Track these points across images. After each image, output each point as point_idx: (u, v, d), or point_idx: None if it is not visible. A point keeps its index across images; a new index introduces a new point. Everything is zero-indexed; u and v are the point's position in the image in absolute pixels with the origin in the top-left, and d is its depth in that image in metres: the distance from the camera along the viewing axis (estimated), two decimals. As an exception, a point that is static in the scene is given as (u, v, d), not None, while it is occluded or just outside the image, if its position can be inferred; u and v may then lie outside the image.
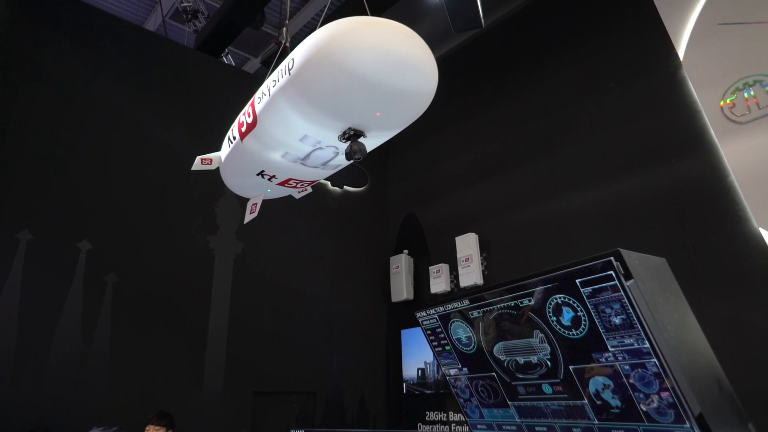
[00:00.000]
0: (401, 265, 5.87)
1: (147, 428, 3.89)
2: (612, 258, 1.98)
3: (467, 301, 2.61)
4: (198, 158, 3.25)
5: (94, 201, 4.48)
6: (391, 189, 6.66)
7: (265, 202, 3.34)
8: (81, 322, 4.17)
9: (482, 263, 5.13)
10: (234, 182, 3.33)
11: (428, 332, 2.89)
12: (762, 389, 2.77)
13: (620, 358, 2.07)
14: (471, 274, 5.08)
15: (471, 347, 2.68)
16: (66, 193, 4.36)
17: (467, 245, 5.22)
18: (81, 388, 3.98)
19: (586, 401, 2.27)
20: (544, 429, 2.52)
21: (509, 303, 2.41)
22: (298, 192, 3.40)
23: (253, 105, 2.73)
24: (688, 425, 1.96)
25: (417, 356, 5.37)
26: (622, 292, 1.97)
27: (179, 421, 4.09)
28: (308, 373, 5.25)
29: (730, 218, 3.43)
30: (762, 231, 3.23)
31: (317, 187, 5.26)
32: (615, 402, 2.16)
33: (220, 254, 5.04)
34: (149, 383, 4.30)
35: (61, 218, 4.27)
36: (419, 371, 5.34)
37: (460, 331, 2.70)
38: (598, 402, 2.22)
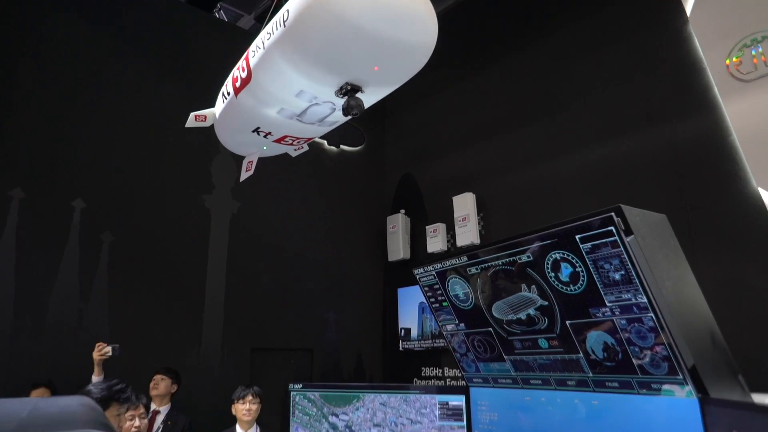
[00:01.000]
0: (398, 225, 5.86)
1: (154, 378, 3.94)
2: (613, 213, 1.97)
3: (465, 258, 2.61)
4: (192, 115, 3.18)
5: (87, 159, 4.41)
6: (387, 149, 6.60)
7: (260, 161, 3.29)
8: (78, 280, 4.17)
9: (479, 223, 5.13)
10: (229, 139, 3.27)
11: (426, 289, 2.91)
12: (753, 345, 2.81)
13: (617, 313, 2.09)
14: (468, 234, 5.09)
15: (468, 303, 2.70)
16: (58, 152, 4.29)
17: (464, 205, 5.21)
18: (80, 344, 4.01)
19: (581, 355, 2.31)
20: (539, 382, 2.57)
21: (507, 259, 2.42)
22: (294, 150, 3.35)
23: (247, 59, 2.66)
24: (680, 377, 1.99)
25: (413, 315, 5.44)
26: (622, 248, 1.97)
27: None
28: (305, 331, 5.32)
29: (729, 178, 3.41)
30: (761, 191, 3.23)
31: (313, 146, 5.20)
32: (608, 355, 2.19)
33: (216, 213, 5.01)
34: (148, 341, 4.34)
35: (53, 176, 4.22)
36: (402, 331, 5.43)
37: (458, 287, 2.71)
38: (593, 356, 2.26)
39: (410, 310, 5.48)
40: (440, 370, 5.14)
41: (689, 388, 1.98)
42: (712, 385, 2.00)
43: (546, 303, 2.33)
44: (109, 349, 3.38)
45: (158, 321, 4.47)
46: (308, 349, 5.38)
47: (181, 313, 4.65)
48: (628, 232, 1.98)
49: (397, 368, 5.52)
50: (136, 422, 2.80)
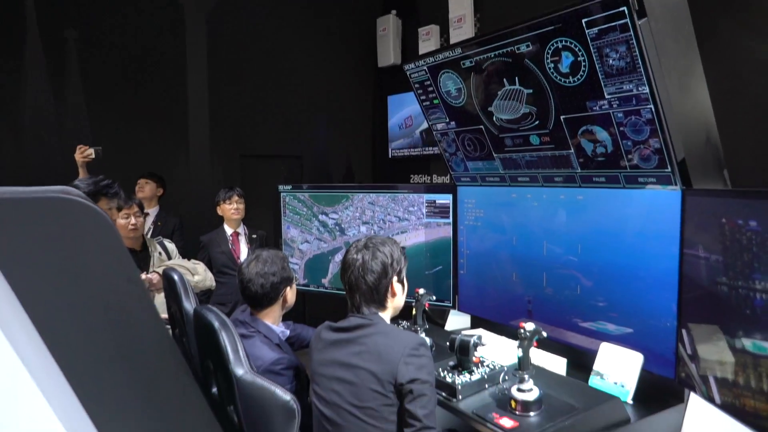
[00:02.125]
0: (388, 27, 5.45)
1: (138, 182, 4.00)
2: (628, -11, 1.75)
3: (459, 50, 2.43)
4: None
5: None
6: (377, -62, 5.83)
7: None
8: (48, 81, 3.95)
9: (475, 24, 4.76)
10: None
11: (416, 85, 2.77)
12: (747, 142, 2.78)
13: (615, 106, 2.00)
14: (463, 37, 4.76)
15: (460, 100, 2.59)
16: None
17: (460, 4, 4.78)
18: (63, 148, 3.96)
19: (572, 151, 2.28)
20: (527, 179, 2.60)
21: (505, 50, 2.25)
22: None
23: None
24: (668, 170, 1.99)
25: (402, 122, 5.36)
26: (632, 32, 1.80)
27: (168, 184, 4.20)
28: (294, 137, 5.26)
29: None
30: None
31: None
32: (601, 150, 2.16)
33: (190, 8, 4.58)
34: (133, 148, 4.28)
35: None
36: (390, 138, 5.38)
37: (450, 83, 2.57)
38: (584, 151, 2.23)
39: (400, 117, 5.38)
40: (429, 177, 5.24)
41: (675, 180, 1.99)
42: (697, 179, 2.01)
43: (542, 97, 2.22)
44: (91, 151, 3.30)
45: (141, 128, 4.36)
46: (297, 156, 5.39)
47: (164, 120, 4.52)
48: (641, 14, 1.79)
49: (386, 175, 5.62)
50: (132, 220, 2.86)
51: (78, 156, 3.27)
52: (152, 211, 4.02)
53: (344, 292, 1.84)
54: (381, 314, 1.77)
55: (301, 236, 3.65)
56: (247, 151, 5.00)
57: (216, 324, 1.38)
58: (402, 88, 5.15)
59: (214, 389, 1.58)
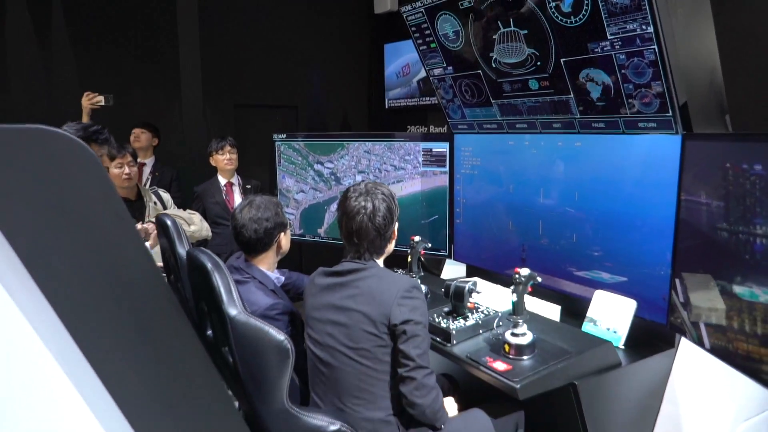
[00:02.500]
0: (385, -28, 5.25)
1: (133, 131, 3.92)
2: None
3: (458, -10, 2.33)
4: None
5: None
6: None
7: None
8: (33, 30, 3.81)
9: (476, -33, 4.59)
10: None
11: (413, 29, 2.67)
12: (750, 87, 2.72)
13: (617, 47, 1.93)
14: (462, -20, 4.58)
15: (458, 43, 2.51)
16: None
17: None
18: (51, 98, 3.87)
19: (571, 96, 2.22)
20: (524, 126, 2.55)
21: (505, -11, 2.15)
22: None
23: None
24: (669, 114, 1.94)
25: (399, 71, 5.24)
26: (638, -34, 1.72)
27: (161, 133, 4.12)
28: (289, 87, 5.14)
29: None
30: None
31: None
32: (601, 94, 2.11)
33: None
34: (125, 100, 4.16)
35: None
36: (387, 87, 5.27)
37: (447, 25, 2.48)
38: (584, 96, 2.17)
39: (397, 65, 5.25)
40: (426, 128, 5.16)
41: (675, 125, 1.95)
42: (698, 125, 1.97)
43: (542, 39, 2.15)
44: (101, 98, 3.16)
45: (131, 79, 4.23)
46: (293, 106, 5.29)
47: (155, 72, 4.39)
48: (649, -53, 1.70)
49: (383, 125, 5.53)
50: (126, 169, 2.81)
51: (85, 101, 3.12)
52: (149, 161, 3.97)
53: (341, 242, 1.81)
54: (377, 260, 1.77)
55: (297, 186, 3.62)
56: (241, 100, 4.90)
57: (209, 265, 1.37)
58: (399, 36, 5.00)
59: (209, 332, 1.59)
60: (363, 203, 1.70)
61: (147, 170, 3.91)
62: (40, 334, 0.80)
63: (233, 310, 1.33)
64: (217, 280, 1.35)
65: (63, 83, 3.92)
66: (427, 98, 4.94)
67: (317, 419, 1.43)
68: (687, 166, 1.93)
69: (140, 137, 3.90)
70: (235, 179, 3.78)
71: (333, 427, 1.44)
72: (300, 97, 5.30)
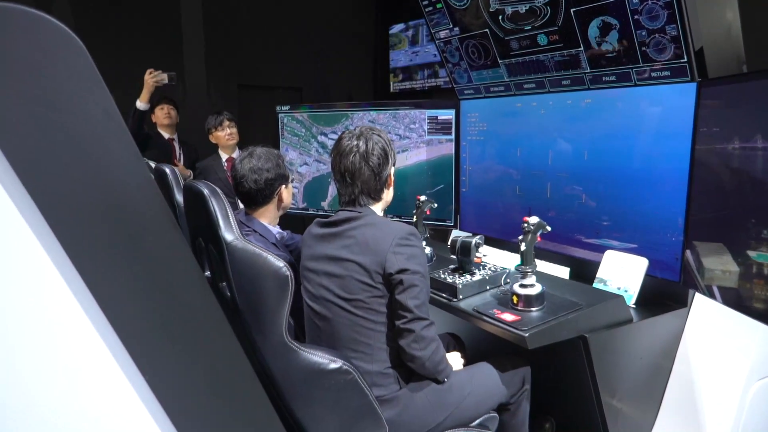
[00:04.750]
0: (391, -47, 5.22)
1: (162, 107, 3.79)
2: None
3: (465, -58, 2.28)
4: None
5: None
6: None
7: None
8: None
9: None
10: None
11: (419, -12, 2.62)
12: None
13: (630, -9, 1.88)
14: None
15: (464, 1, 2.46)
16: None
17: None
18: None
19: (581, 49, 2.16)
20: (533, 85, 2.49)
21: (514, -62, 2.10)
22: None
23: None
24: (684, 59, 1.88)
25: (404, 54, 5.19)
26: None
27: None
28: (293, 68, 5.10)
29: None
30: None
31: None
32: (613, 44, 2.05)
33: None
34: (127, 79, 4.13)
35: None
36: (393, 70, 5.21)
37: (455, -19, 2.43)
38: (595, 47, 2.11)
39: (402, 48, 5.20)
40: (431, 111, 5.11)
41: (691, 72, 1.88)
42: (713, 73, 1.91)
43: (552, -11, 2.09)
44: (164, 76, 3.16)
45: (132, 58, 4.19)
46: (297, 87, 5.25)
47: (156, 50, 4.35)
48: None
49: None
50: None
51: (148, 78, 3.17)
52: (176, 137, 3.90)
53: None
54: (373, 207, 1.68)
55: (300, 158, 3.57)
56: (245, 81, 4.86)
57: (206, 191, 1.32)
58: (404, 17, 4.96)
59: (207, 273, 1.53)
60: (356, 142, 1.63)
61: (177, 145, 3.84)
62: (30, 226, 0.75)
63: (230, 236, 1.27)
64: (214, 204, 1.29)
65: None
66: (434, 80, 4.89)
67: (317, 356, 1.37)
68: (702, 114, 1.87)
69: (171, 113, 3.82)
70: (236, 154, 3.72)
71: (334, 365, 1.38)
72: (304, 79, 5.25)
